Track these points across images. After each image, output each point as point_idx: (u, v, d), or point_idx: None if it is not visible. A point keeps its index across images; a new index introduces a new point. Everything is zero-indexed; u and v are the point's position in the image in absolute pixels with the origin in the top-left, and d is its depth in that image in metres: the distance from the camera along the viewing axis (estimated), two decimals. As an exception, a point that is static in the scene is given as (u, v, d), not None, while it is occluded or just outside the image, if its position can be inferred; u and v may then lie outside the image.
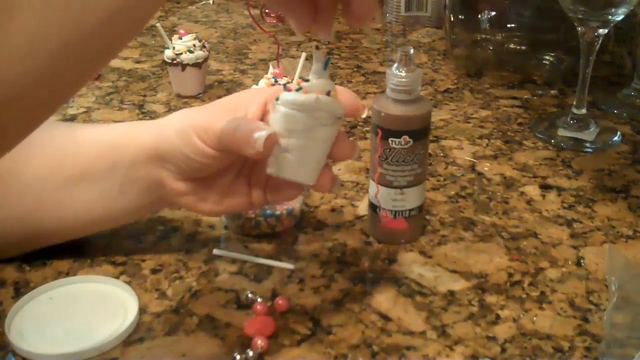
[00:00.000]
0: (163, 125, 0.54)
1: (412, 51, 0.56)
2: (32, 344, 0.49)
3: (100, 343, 0.49)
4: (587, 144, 0.78)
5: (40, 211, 0.57)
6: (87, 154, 0.56)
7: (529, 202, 0.68)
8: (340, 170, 0.74)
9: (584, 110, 0.79)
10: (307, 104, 0.47)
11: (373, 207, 0.61)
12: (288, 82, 0.49)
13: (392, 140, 0.57)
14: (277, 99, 0.48)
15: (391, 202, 0.60)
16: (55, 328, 0.51)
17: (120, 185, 0.55)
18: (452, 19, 0.98)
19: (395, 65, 0.56)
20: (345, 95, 0.51)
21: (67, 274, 0.57)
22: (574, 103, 0.80)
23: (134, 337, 0.51)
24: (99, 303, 0.53)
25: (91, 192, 0.56)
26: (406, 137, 0.57)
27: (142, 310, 0.53)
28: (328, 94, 0.48)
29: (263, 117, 0.51)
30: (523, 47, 0.97)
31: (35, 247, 0.58)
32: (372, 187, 0.60)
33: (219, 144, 0.50)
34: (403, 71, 0.56)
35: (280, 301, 0.53)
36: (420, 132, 0.57)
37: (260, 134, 0.47)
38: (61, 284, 0.55)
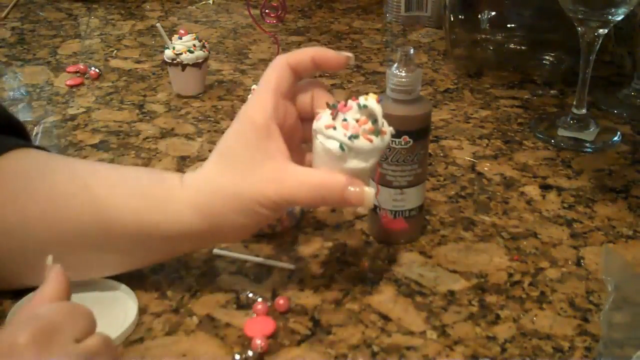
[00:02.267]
0: (211, 207, 0.49)
1: (412, 51, 0.56)
2: None
3: None
4: (587, 144, 0.78)
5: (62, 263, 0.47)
6: (115, 225, 0.50)
7: (529, 202, 0.68)
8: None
9: (584, 110, 0.79)
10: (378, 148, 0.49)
11: (373, 207, 0.61)
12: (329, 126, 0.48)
13: (392, 140, 0.57)
14: (342, 148, 0.47)
15: (391, 202, 0.60)
16: None
17: (157, 249, 0.53)
18: (452, 19, 0.98)
19: (395, 65, 0.56)
20: (328, 56, 0.51)
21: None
22: (574, 103, 0.80)
23: (134, 337, 0.51)
24: (97, 305, 0.53)
25: (120, 257, 0.53)
26: (406, 137, 0.57)
27: (142, 310, 0.53)
28: (372, 117, 0.48)
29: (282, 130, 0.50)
30: (523, 47, 0.97)
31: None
32: (373, 186, 0.60)
33: (288, 204, 0.49)
34: (403, 71, 0.56)
35: (280, 301, 0.53)
36: (421, 132, 0.57)
37: (369, 190, 0.48)
38: None
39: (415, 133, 0.57)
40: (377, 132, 0.48)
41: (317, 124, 0.49)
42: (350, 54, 0.52)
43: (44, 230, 0.51)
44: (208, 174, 0.50)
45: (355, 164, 0.48)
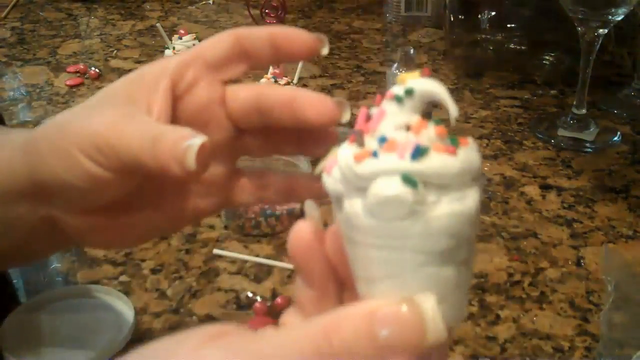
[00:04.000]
0: (32, 143, 0.36)
1: (412, 51, 0.56)
2: (27, 357, 0.48)
3: (95, 355, 0.48)
4: (587, 144, 0.78)
5: None
6: None
7: (529, 202, 0.68)
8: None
9: (584, 110, 0.79)
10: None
11: None
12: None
13: None
14: (409, 182, 0.23)
15: None
16: (49, 340, 0.50)
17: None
18: (452, 19, 0.98)
19: (395, 65, 0.56)
20: (290, 36, 0.36)
21: (67, 275, 0.57)
22: (574, 103, 0.80)
23: (133, 337, 0.51)
24: (93, 313, 0.53)
25: None
26: None
27: (142, 310, 0.53)
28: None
29: (178, 101, 0.36)
30: (523, 47, 0.97)
31: None
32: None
33: (120, 163, 0.33)
34: (403, 71, 0.56)
35: (280, 301, 0.53)
36: None
37: (192, 142, 0.31)
38: (54, 295, 0.53)
39: None
40: (455, 138, 0.25)
41: (334, 172, 0.26)
42: (322, 36, 0.36)
43: None
44: (61, 115, 0.38)
45: (448, 207, 0.24)
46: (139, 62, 1.04)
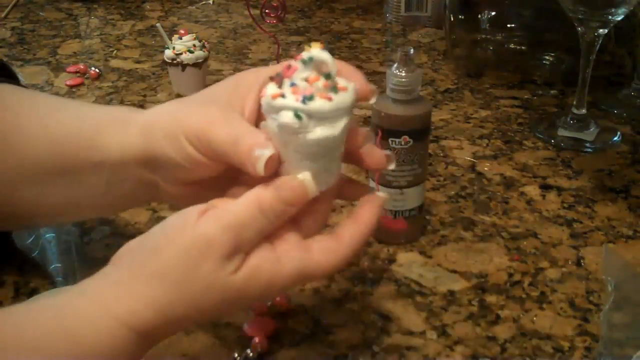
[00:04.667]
0: (150, 124, 0.46)
1: (412, 51, 0.56)
2: None
3: None
4: (587, 144, 0.78)
5: (15, 201, 0.50)
6: (65, 150, 0.49)
7: (529, 202, 0.68)
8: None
9: (584, 110, 0.79)
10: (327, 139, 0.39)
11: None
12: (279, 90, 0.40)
13: (392, 140, 0.57)
14: (297, 116, 0.38)
15: (391, 202, 0.59)
16: None
17: (106, 184, 0.48)
18: (452, 19, 0.98)
19: (395, 65, 0.56)
20: (354, 77, 0.43)
21: (67, 275, 0.57)
22: (574, 103, 0.80)
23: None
24: None
25: (74, 189, 0.49)
26: (406, 137, 0.57)
27: (142, 310, 0.53)
28: (333, 85, 0.39)
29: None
30: (523, 47, 0.97)
31: (9, 229, 0.58)
32: (372, 186, 0.60)
33: (213, 153, 0.43)
34: (403, 71, 0.56)
35: (280, 301, 0.53)
36: (420, 132, 0.57)
37: (262, 153, 0.40)
38: (53, 294, 0.54)
39: (415, 133, 0.57)
40: (334, 87, 0.39)
41: (263, 100, 0.40)
42: (374, 89, 0.46)
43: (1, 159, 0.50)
44: (169, 105, 0.48)
45: (320, 132, 0.39)
46: (139, 62, 1.04)
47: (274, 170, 0.41)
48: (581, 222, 0.65)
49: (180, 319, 0.40)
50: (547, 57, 0.96)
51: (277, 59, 0.79)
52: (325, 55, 0.39)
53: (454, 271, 0.58)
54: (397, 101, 0.56)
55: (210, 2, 1.32)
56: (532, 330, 0.51)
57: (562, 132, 0.80)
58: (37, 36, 1.15)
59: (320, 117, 0.39)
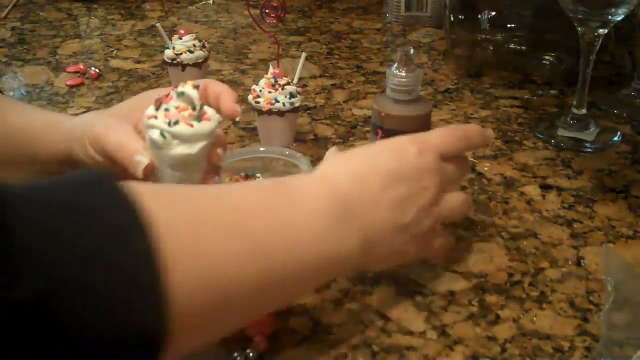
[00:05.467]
0: (70, 130, 0.57)
1: (412, 51, 0.56)
2: None
3: None
4: (587, 144, 0.78)
5: None
6: (13, 142, 0.59)
7: (529, 202, 0.68)
8: (340, 170, 0.73)
9: (584, 110, 0.79)
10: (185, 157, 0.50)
11: None
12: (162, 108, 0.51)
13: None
14: (162, 135, 0.49)
15: None
16: None
17: (38, 174, 0.59)
18: (452, 19, 0.98)
19: (395, 65, 0.56)
20: (225, 99, 0.55)
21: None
22: (574, 103, 0.80)
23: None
24: None
25: (12, 178, 0.59)
26: None
27: (142, 310, 0.53)
28: (199, 114, 0.50)
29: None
30: (523, 47, 0.97)
31: None
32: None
33: (106, 155, 0.53)
34: (403, 71, 0.56)
35: (280, 301, 0.53)
36: (421, 132, 0.57)
37: (140, 160, 0.50)
38: None
39: (416, 133, 0.57)
40: (198, 117, 0.50)
41: (143, 118, 0.50)
42: (238, 110, 0.55)
43: None
44: (92, 113, 0.62)
45: (180, 150, 0.49)
46: (138, 62, 1.04)
47: (151, 174, 0.51)
48: (581, 222, 0.64)
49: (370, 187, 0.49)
50: (547, 57, 0.96)
51: (277, 58, 0.79)
52: (193, 93, 0.50)
53: (454, 271, 0.58)
54: (397, 101, 0.56)
55: (210, 2, 1.32)
56: (532, 330, 0.51)
57: (562, 132, 0.80)
58: (37, 36, 1.15)
59: (183, 139, 0.49)
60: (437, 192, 0.51)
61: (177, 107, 0.49)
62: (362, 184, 0.48)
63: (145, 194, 0.37)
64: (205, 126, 0.50)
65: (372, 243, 0.48)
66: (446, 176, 0.53)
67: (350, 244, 0.47)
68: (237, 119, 0.56)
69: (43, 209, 0.34)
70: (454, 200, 0.54)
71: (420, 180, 0.50)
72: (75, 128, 0.57)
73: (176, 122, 0.49)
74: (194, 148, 0.50)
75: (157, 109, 0.50)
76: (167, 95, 0.50)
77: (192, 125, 0.49)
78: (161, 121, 0.49)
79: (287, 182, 0.49)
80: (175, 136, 0.49)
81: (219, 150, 0.54)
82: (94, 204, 0.36)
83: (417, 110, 0.57)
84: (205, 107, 0.51)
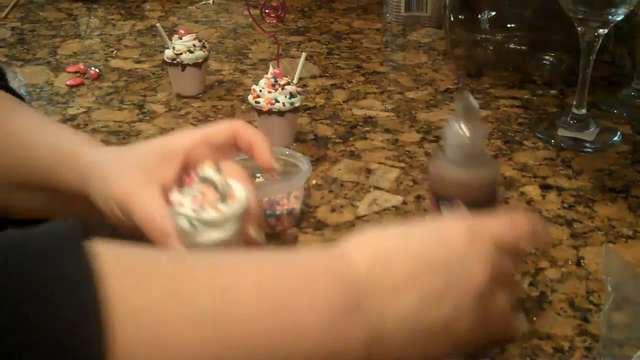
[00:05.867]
0: (87, 172, 0.53)
1: (473, 101, 0.46)
2: None
3: None
4: (587, 144, 0.78)
5: None
6: (30, 170, 0.56)
7: (529, 202, 0.68)
8: (340, 170, 0.74)
9: (584, 110, 0.79)
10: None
11: None
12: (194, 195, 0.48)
13: (444, 209, 0.47)
14: (190, 223, 0.47)
15: None
16: None
17: (62, 202, 0.56)
18: (452, 19, 0.98)
19: (455, 118, 0.46)
20: (261, 153, 0.54)
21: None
22: (574, 103, 0.80)
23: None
24: None
25: (36, 200, 0.57)
26: (462, 207, 0.47)
27: (142, 310, 0.53)
28: (223, 195, 0.48)
29: (185, 171, 0.52)
30: (523, 47, 0.97)
31: None
32: None
33: (131, 219, 0.50)
34: (463, 126, 0.45)
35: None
36: (482, 202, 0.47)
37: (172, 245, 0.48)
38: None
39: (475, 203, 0.46)
40: (225, 199, 0.48)
41: (170, 205, 0.49)
42: (277, 166, 0.55)
43: None
44: (109, 154, 0.55)
45: (213, 236, 0.47)
46: (138, 62, 1.04)
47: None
48: (581, 222, 0.64)
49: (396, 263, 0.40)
50: (547, 57, 0.96)
51: (277, 59, 0.79)
52: (215, 177, 0.48)
53: (454, 271, 0.58)
54: (456, 163, 0.46)
55: (210, 2, 1.32)
56: (532, 330, 0.51)
57: (562, 132, 0.80)
58: (37, 36, 1.15)
59: (213, 225, 0.47)
60: (486, 286, 0.40)
61: (201, 192, 0.48)
62: (385, 268, 0.39)
63: (112, 270, 0.33)
64: (233, 207, 0.48)
65: (381, 340, 0.38)
66: (500, 270, 0.42)
67: (353, 337, 0.38)
68: (276, 170, 0.55)
69: None
70: (505, 305, 0.42)
71: (465, 269, 0.40)
72: (92, 173, 0.53)
73: (203, 209, 0.47)
74: (226, 232, 0.48)
75: (182, 193, 0.48)
76: (189, 178, 0.49)
77: (219, 209, 0.47)
78: (188, 209, 0.47)
79: (297, 258, 0.41)
80: (204, 223, 0.47)
81: (252, 231, 0.50)
82: (50, 279, 0.32)
83: (479, 176, 0.46)
84: (231, 182, 0.49)
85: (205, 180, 0.48)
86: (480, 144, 0.45)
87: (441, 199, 0.47)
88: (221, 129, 0.55)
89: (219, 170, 0.48)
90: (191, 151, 0.53)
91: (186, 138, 0.54)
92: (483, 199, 0.46)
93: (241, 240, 0.49)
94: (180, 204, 0.48)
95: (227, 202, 0.48)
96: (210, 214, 0.47)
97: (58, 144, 0.57)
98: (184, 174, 0.50)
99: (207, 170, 0.48)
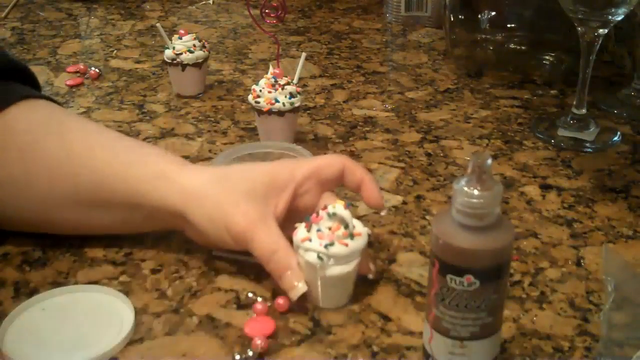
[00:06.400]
0: (191, 193, 0.54)
1: (489, 161, 0.42)
2: (26, 355, 0.48)
3: (95, 355, 0.48)
4: (587, 144, 0.78)
5: (53, 222, 0.59)
6: (107, 188, 0.56)
7: (529, 202, 0.68)
8: (340, 170, 0.73)
9: (584, 110, 0.79)
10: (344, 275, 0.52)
11: (426, 355, 0.47)
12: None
13: (450, 278, 0.42)
14: (320, 258, 0.50)
15: (448, 355, 0.45)
16: (49, 339, 0.50)
17: (143, 218, 0.57)
18: (452, 19, 0.98)
19: (466, 179, 0.42)
20: (371, 193, 0.56)
21: (67, 274, 0.57)
22: (574, 103, 0.80)
23: (134, 337, 0.51)
24: (93, 313, 0.52)
25: (110, 217, 0.58)
26: (470, 277, 0.42)
27: (142, 310, 0.53)
28: (350, 233, 0.51)
29: (293, 201, 0.55)
30: (523, 47, 0.97)
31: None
32: (426, 329, 0.46)
33: (248, 250, 0.53)
34: (475, 188, 0.41)
35: (280, 301, 0.53)
36: (492, 271, 0.42)
37: (299, 288, 0.51)
38: (54, 295, 0.54)
39: (485, 272, 0.42)
40: (351, 235, 0.51)
41: (295, 239, 0.52)
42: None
43: (45, 184, 0.57)
44: (208, 175, 0.55)
45: (338, 270, 0.51)
46: (138, 62, 1.04)
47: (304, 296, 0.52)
48: (581, 222, 0.64)
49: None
50: (547, 57, 0.96)
51: (277, 59, 0.79)
52: (345, 213, 0.51)
53: (454, 271, 0.58)
54: (464, 227, 0.42)
55: (210, 2, 1.32)
56: (532, 330, 0.51)
57: (562, 132, 0.80)
58: (37, 36, 1.15)
59: (339, 259, 0.50)
60: None
61: (329, 228, 0.50)
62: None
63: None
64: (359, 243, 0.51)
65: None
66: None
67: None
68: (383, 213, 0.59)
69: None
70: None
71: None
72: (199, 196, 0.54)
73: (332, 244, 0.50)
74: (350, 266, 0.51)
75: (309, 229, 0.51)
76: (317, 215, 0.51)
77: (347, 245, 0.50)
78: (316, 243, 0.50)
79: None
80: (332, 257, 0.50)
81: (371, 265, 0.55)
82: None
83: (490, 242, 0.41)
84: (354, 221, 0.52)
85: (334, 217, 0.50)
86: (492, 207, 0.42)
87: (446, 268, 0.43)
88: (331, 163, 0.56)
89: (347, 208, 0.51)
90: (302, 184, 0.55)
91: (297, 170, 0.56)
92: (494, 266, 0.42)
93: (357, 272, 0.53)
94: (309, 239, 0.50)
95: (354, 238, 0.51)
96: (339, 249, 0.50)
97: (142, 164, 0.57)
98: (312, 216, 0.52)
99: (339, 207, 0.51)
